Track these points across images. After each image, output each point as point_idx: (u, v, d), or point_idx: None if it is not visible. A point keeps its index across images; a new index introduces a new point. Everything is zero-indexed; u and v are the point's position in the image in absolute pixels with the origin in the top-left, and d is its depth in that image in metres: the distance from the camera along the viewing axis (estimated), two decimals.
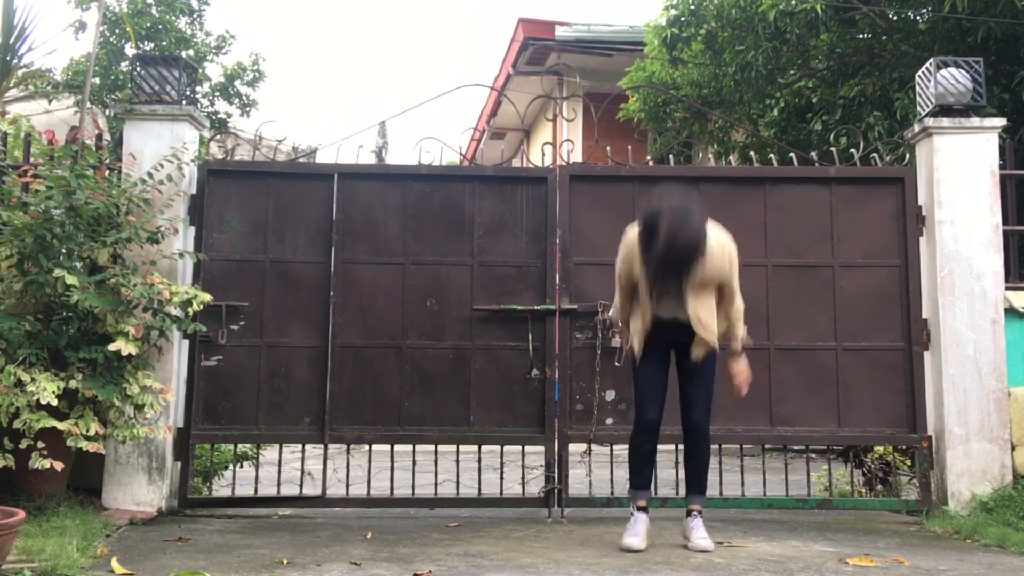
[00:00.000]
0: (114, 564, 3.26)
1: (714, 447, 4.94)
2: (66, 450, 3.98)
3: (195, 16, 10.53)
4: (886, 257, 4.91)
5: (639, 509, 3.89)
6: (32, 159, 4.95)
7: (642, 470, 3.93)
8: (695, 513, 3.90)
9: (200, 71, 9.86)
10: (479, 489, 4.79)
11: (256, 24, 64.81)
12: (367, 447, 4.85)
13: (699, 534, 3.83)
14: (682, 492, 4.86)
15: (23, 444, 3.88)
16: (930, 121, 4.84)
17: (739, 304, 3.91)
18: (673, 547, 3.81)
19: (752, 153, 5.58)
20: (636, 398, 3.94)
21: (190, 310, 4.32)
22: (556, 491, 4.70)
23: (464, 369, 4.81)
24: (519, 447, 4.83)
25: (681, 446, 4.79)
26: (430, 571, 3.26)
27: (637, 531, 3.81)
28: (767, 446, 4.92)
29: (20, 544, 3.26)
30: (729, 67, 8.12)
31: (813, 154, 5.31)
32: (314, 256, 4.86)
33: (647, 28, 9.05)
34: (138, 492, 4.49)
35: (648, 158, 7.01)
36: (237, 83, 10.79)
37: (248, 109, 10.92)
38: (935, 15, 7.10)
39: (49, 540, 3.39)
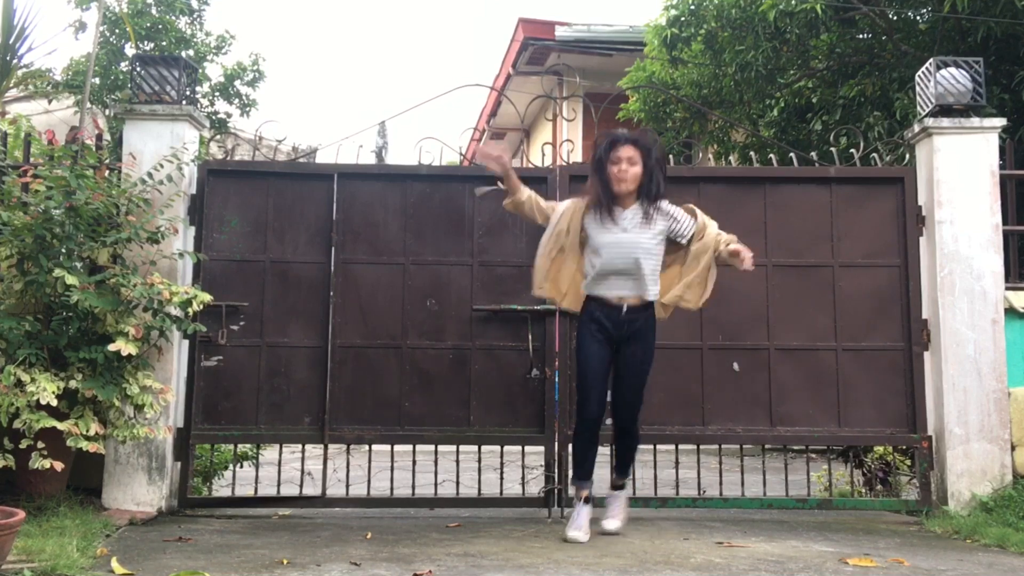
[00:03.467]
0: (114, 564, 3.26)
1: (714, 447, 4.98)
2: (66, 450, 3.99)
3: (195, 16, 10.54)
4: (886, 257, 4.91)
5: (584, 501, 4.01)
6: (32, 159, 4.95)
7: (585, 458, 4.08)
8: (619, 489, 4.13)
9: (200, 71, 9.85)
10: (479, 489, 4.79)
11: (256, 24, 64.84)
12: (367, 447, 4.85)
13: (611, 513, 4.06)
14: (682, 492, 4.91)
15: (23, 444, 3.88)
16: (930, 121, 4.84)
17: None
18: (673, 546, 3.81)
19: (752, 153, 5.59)
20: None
21: (190, 310, 4.32)
22: (556, 491, 4.70)
23: (464, 369, 4.81)
24: (519, 447, 4.83)
25: (681, 445, 4.84)
26: (430, 571, 3.26)
27: (580, 524, 3.94)
28: (767, 446, 4.92)
29: (20, 544, 3.26)
30: (729, 67, 8.11)
31: (813, 154, 5.32)
32: (314, 256, 4.86)
33: (647, 28, 9.04)
34: (138, 492, 4.49)
35: None
36: (237, 83, 10.79)
37: (248, 109, 10.92)
38: (935, 15, 7.10)
39: (49, 540, 3.39)
